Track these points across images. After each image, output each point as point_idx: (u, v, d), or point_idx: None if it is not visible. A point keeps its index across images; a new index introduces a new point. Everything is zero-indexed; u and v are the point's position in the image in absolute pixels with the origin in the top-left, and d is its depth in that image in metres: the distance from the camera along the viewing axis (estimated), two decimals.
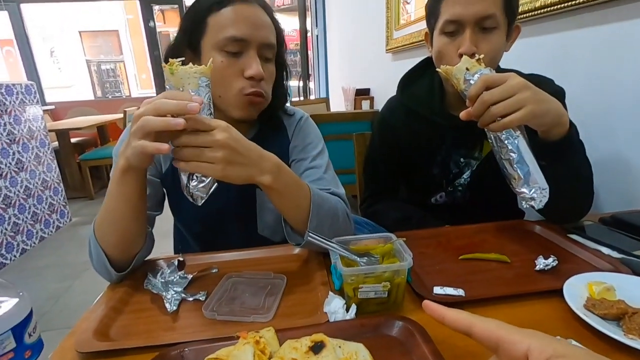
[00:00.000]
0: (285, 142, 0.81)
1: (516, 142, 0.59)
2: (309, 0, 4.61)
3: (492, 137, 0.62)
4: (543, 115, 0.59)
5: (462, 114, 0.62)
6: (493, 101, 0.58)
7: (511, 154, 0.60)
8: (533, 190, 0.60)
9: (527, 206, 0.61)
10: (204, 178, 0.54)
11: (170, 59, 0.53)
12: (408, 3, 2.18)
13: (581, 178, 0.69)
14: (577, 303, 0.47)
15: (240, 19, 0.66)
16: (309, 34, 4.74)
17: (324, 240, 0.55)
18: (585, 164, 0.70)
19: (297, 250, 0.71)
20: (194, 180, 0.54)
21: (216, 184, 0.56)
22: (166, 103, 0.49)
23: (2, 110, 2.44)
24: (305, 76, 4.66)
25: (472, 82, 0.61)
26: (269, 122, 0.80)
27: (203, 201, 0.55)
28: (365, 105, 2.83)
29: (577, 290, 0.50)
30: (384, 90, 2.67)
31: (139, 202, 0.59)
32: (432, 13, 0.80)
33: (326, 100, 3.21)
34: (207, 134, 0.51)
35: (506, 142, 0.60)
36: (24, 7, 4.91)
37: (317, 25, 4.67)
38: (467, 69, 0.61)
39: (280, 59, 0.76)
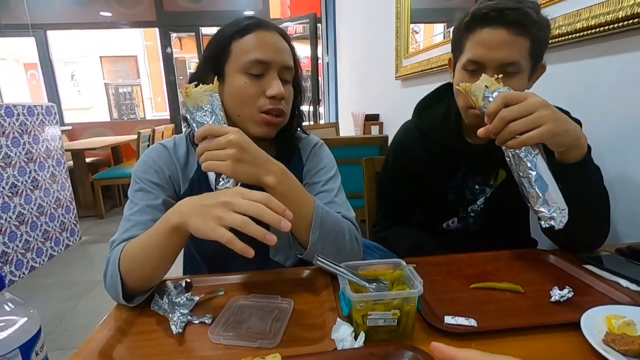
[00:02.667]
0: (300, 165, 0.83)
1: (535, 160, 0.59)
2: (320, 29, 4.77)
3: (510, 155, 0.62)
4: (562, 134, 0.59)
5: (480, 131, 0.63)
6: (512, 118, 0.58)
7: (530, 171, 0.59)
8: (552, 209, 0.59)
9: (547, 225, 0.60)
10: (228, 179, 0.61)
11: (184, 85, 0.60)
12: (417, 33, 2.24)
13: (598, 204, 0.68)
14: (596, 338, 0.46)
15: (262, 44, 0.71)
16: (319, 61, 4.87)
17: (332, 265, 0.55)
18: (602, 190, 0.69)
19: (305, 274, 0.70)
20: (220, 182, 0.62)
21: (239, 184, 0.62)
22: (267, 213, 0.51)
23: (22, 130, 2.53)
24: (316, 101, 4.75)
25: (490, 99, 0.62)
26: (285, 143, 0.83)
27: None
28: (374, 131, 2.85)
29: (595, 324, 0.48)
30: (393, 116, 2.70)
31: (175, 254, 0.61)
32: (456, 45, 0.81)
33: (336, 125, 3.25)
34: (221, 137, 0.58)
35: (525, 159, 0.60)
36: (50, 33, 5.18)
37: (327, 53, 4.81)
38: (486, 86, 0.62)
39: (297, 82, 0.80)
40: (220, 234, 0.50)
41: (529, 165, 0.59)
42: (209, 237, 0.51)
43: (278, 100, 0.72)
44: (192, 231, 0.54)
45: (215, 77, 0.68)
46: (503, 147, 0.62)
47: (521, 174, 0.61)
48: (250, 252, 0.50)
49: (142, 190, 0.73)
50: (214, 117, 0.64)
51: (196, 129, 0.62)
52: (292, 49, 0.77)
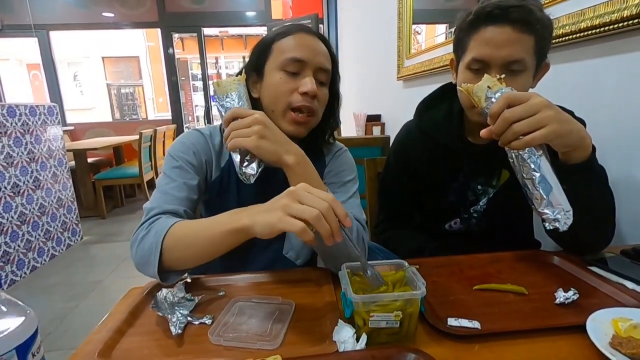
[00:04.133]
0: (322, 166, 0.84)
1: (539, 161, 0.58)
2: (322, 30, 4.78)
3: (514, 156, 0.61)
4: (566, 135, 0.58)
5: (483, 132, 0.62)
6: (515, 119, 0.57)
7: (533, 172, 0.58)
8: (556, 211, 0.58)
9: (551, 228, 0.59)
10: (252, 160, 0.66)
11: (214, 79, 0.63)
12: (419, 34, 2.24)
13: (603, 205, 0.67)
14: (602, 341, 0.45)
15: (301, 44, 0.74)
16: None
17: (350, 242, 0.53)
18: (607, 192, 0.68)
19: (306, 275, 0.69)
20: (245, 163, 0.66)
21: (262, 165, 0.67)
22: (331, 214, 0.50)
23: (24, 130, 2.53)
24: None
25: (493, 100, 0.61)
26: (314, 146, 0.83)
27: (254, 179, 0.66)
28: (376, 131, 2.85)
29: (601, 326, 0.48)
30: (395, 117, 2.69)
31: (226, 251, 0.61)
32: (459, 44, 0.80)
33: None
34: (247, 117, 0.64)
35: (528, 160, 0.59)
36: (52, 34, 5.19)
37: None
38: (488, 87, 0.62)
39: (334, 87, 0.82)
40: (289, 224, 0.49)
41: (532, 166, 0.59)
42: (274, 228, 0.51)
43: (310, 98, 0.73)
44: (258, 230, 0.53)
45: (244, 70, 0.77)
46: (506, 148, 0.62)
47: (525, 175, 0.60)
48: (336, 237, 0.49)
49: (180, 168, 0.74)
50: (241, 102, 0.70)
51: (224, 114, 0.68)
52: (333, 55, 0.79)
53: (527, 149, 0.59)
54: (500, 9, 0.69)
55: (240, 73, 0.78)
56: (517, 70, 0.71)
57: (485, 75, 0.63)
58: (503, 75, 0.62)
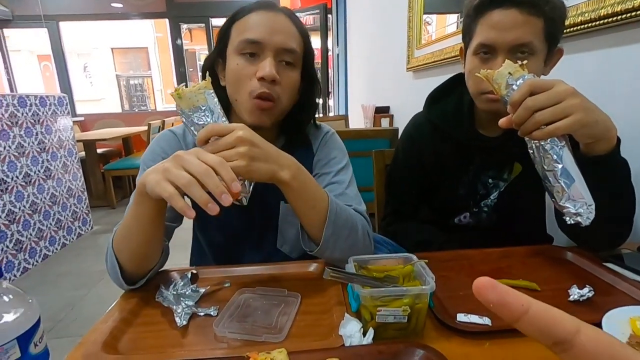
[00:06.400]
0: (310, 155, 0.80)
1: (561, 152, 0.56)
2: (331, 20, 4.71)
3: (534, 147, 0.59)
4: (592, 125, 0.55)
5: (502, 121, 0.59)
6: (538, 107, 0.54)
7: (555, 164, 0.56)
8: (578, 205, 0.55)
9: (573, 222, 0.56)
10: (241, 179, 0.55)
11: (175, 87, 0.56)
12: (429, 24, 2.19)
13: (623, 201, 0.64)
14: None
15: (257, 23, 0.67)
16: (330, 53, 4.82)
17: (346, 275, 0.51)
18: (629, 187, 0.65)
19: (312, 267, 0.69)
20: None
21: (253, 182, 0.59)
22: (212, 178, 0.47)
23: (35, 120, 2.55)
24: (325, 93, 4.71)
25: (514, 87, 0.57)
26: (295, 136, 0.79)
27: (247, 200, 0.59)
28: (384, 123, 2.81)
29: (617, 325, 0.46)
30: (404, 108, 2.65)
31: (153, 225, 0.58)
32: (467, 31, 0.77)
33: (345, 118, 3.22)
34: (228, 135, 0.53)
35: (550, 151, 0.56)
36: (62, 25, 5.22)
37: (338, 44, 4.75)
38: (509, 73, 0.58)
39: (307, 69, 0.74)
40: (162, 188, 0.47)
41: (554, 157, 0.56)
42: (153, 193, 0.49)
43: (269, 83, 0.66)
44: (148, 191, 0.50)
45: (207, 73, 0.68)
46: (526, 138, 0.59)
47: (546, 167, 0.57)
48: (189, 213, 0.47)
49: None
50: (212, 115, 0.57)
51: (195, 133, 0.57)
52: (303, 32, 0.72)
53: (549, 139, 0.56)
54: None
55: (204, 76, 0.69)
56: (525, 55, 0.68)
57: (507, 61, 0.59)
58: (525, 62, 0.59)
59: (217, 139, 0.54)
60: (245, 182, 0.57)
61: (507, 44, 0.68)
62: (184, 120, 0.59)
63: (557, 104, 0.54)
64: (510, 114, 0.58)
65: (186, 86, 0.57)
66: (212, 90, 0.58)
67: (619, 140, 0.61)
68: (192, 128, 0.58)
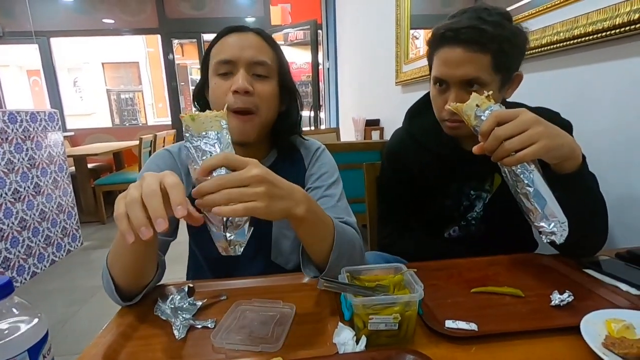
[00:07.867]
0: (302, 170, 0.84)
1: (531, 175, 0.59)
2: (321, 35, 4.81)
3: (507, 171, 0.62)
4: (557, 148, 0.59)
5: (475, 149, 0.63)
6: (506, 136, 0.58)
7: (527, 187, 0.59)
8: (552, 224, 0.59)
9: (549, 240, 0.60)
10: (238, 223, 0.50)
11: (188, 112, 0.57)
12: (417, 38, 2.26)
13: (595, 210, 0.69)
14: (595, 341, 0.46)
15: (229, 45, 0.73)
16: (320, 67, 4.90)
17: (338, 286, 0.53)
18: (598, 197, 0.69)
19: (306, 279, 0.70)
20: (229, 229, 0.50)
21: (252, 227, 0.53)
22: (153, 203, 0.45)
23: (25, 136, 2.54)
24: (317, 106, 4.77)
25: (483, 118, 0.62)
26: (284, 150, 0.83)
27: (242, 248, 0.52)
28: (375, 136, 2.87)
29: (595, 327, 0.49)
30: (394, 121, 2.71)
31: (142, 242, 0.52)
32: (429, 62, 0.83)
33: (336, 130, 3.27)
34: (243, 170, 0.49)
35: (521, 176, 0.60)
36: (53, 40, 5.22)
37: (328, 59, 4.84)
38: (477, 105, 0.63)
39: (283, 81, 0.78)
40: (116, 206, 0.47)
41: (526, 181, 0.59)
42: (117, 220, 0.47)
43: (243, 95, 0.70)
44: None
45: (226, 105, 0.62)
46: (499, 163, 0.63)
47: (519, 190, 0.61)
48: (128, 238, 0.45)
49: None
50: (222, 146, 0.53)
51: (198, 159, 0.52)
52: (273, 46, 0.77)
53: (519, 164, 0.60)
54: (451, 31, 0.73)
55: (194, 103, 0.75)
56: (476, 87, 0.73)
57: (474, 93, 0.64)
58: (491, 92, 0.64)
59: (223, 172, 0.50)
60: (246, 230, 0.52)
61: (457, 79, 0.74)
62: (189, 145, 0.54)
63: (524, 132, 0.57)
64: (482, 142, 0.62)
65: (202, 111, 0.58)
66: (226, 120, 0.56)
67: (584, 157, 0.66)
68: (194, 154, 0.53)
